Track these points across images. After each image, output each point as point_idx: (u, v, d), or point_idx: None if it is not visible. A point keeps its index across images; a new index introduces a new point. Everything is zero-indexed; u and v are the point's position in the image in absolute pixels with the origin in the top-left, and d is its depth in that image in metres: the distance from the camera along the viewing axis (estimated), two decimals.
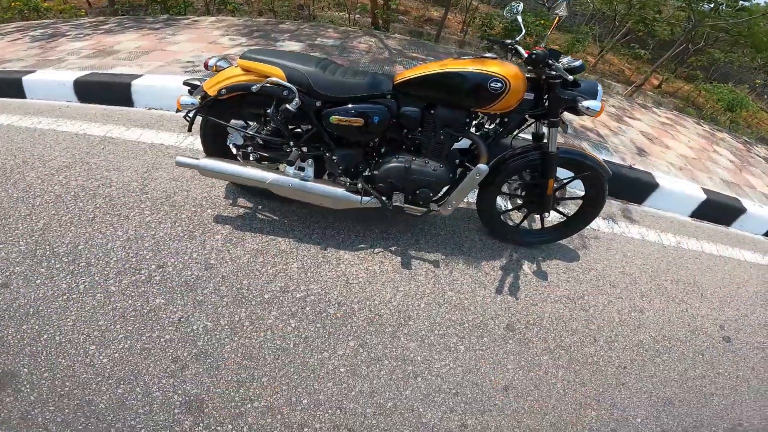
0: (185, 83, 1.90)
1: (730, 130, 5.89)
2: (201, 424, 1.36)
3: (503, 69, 1.69)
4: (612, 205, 3.00)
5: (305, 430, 1.41)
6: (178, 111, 1.85)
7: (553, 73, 1.71)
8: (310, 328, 1.70)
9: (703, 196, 3.15)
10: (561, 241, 2.44)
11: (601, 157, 3.11)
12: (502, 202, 2.51)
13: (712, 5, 6.10)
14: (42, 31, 4.51)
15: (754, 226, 3.29)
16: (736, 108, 6.44)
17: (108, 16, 5.59)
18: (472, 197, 2.29)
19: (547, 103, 1.82)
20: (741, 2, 6.14)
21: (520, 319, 1.95)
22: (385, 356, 1.67)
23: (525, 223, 2.39)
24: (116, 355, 1.49)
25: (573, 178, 2.11)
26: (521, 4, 1.89)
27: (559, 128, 1.86)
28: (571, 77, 1.71)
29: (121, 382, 1.42)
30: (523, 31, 1.86)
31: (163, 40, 4.13)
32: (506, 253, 2.29)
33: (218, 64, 1.86)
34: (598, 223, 2.72)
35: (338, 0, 6.62)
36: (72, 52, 3.70)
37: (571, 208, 2.43)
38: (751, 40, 6.88)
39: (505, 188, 2.17)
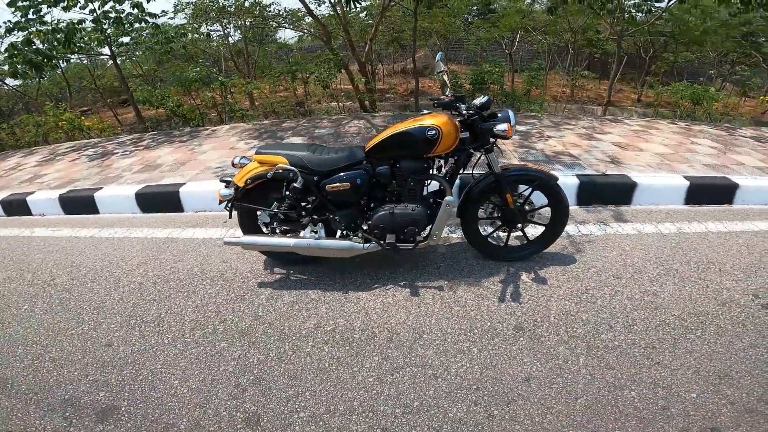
0: (221, 180, 2.33)
1: (710, 122, 5.58)
2: None
3: (435, 120, 2.03)
4: (601, 212, 3.02)
5: None
6: (220, 203, 2.24)
7: (464, 112, 2.05)
8: (340, 351, 1.87)
9: (686, 183, 3.10)
10: (555, 250, 2.50)
11: (572, 171, 3.23)
12: (488, 227, 2.63)
13: (625, 15, 6.22)
14: (93, 150, 4.99)
15: (758, 198, 3.11)
16: (701, 101, 6.17)
17: (141, 132, 6.09)
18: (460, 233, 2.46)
19: (478, 136, 2.12)
20: (649, 4, 6.15)
21: (527, 319, 1.99)
22: (406, 365, 1.78)
23: (514, 240, 2.51)
24: (193, 386, 1.71)
25: (531, 190, 2.30)
26: (442, 73, 2.23)
27: (495, 152, 2.15)
28: (486, 112, 2.06)
29: (197, 407, 1.62)
30: (448, 86, 2.20)
31: (192, 151, 4.49)
32: (503, 269, 2.39)
33: (241, 161, 2.27)
34: (590, 229, 2.76)
35: (330, 92, 7.10)
36: (125, 169, 4.08)
37: (547, 218, 2.52)
38: (687, 37, 6.83)
39: (482, 214, 2.37)
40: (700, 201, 3.12)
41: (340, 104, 6.89)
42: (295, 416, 1.57)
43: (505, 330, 1.94)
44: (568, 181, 3.11)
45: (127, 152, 4.83)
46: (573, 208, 3.03)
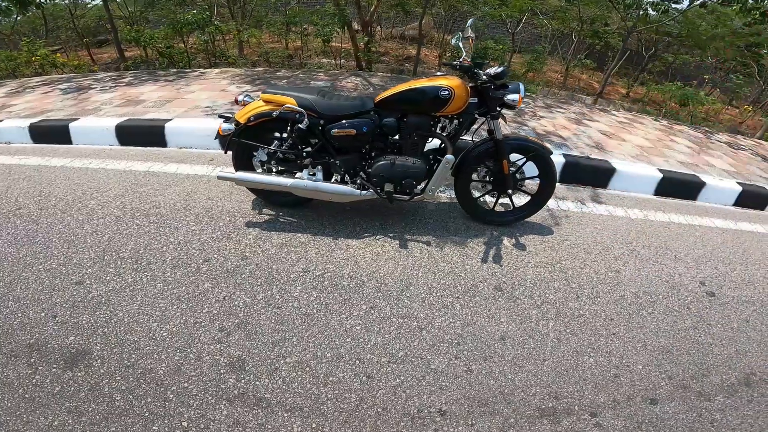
0: (220, 116, 2.10)
1: (691, 124, 5.57)
2: (243, 380, 1.38)
3: (449, 81, 1.92)
4: (580, 191, 2.99)
5: (330, 378, 1.41)
6: (218, 137, 2.01)
7: (484, 78, 1.92)
8: (329, 297, 1.74)
9: (660, 175, 3.12)
10: (535, 220, 2.45)
11: (560, 151, 3.19)
12: (476, 191, 2.55)
13: (641, 12, 6.02)
14: (67, 84, 4.46)
15: (719, 198, 3.19)
16: (688, 102, 6.10)
17: (121, 71, 5.52)
18: (453, 193, 2.35)
19: (486, 103, 2.00)
20: (667, 4, 5.90)
21: (506, 281, 1.95)
22: (393, 315, 1.69)
23: (499, 206, 2.43)
24: (174, 329, 1.53)
25: (525, 160, 2.20)
26: (459, 35, 2.08)
27: (501, 120, 2.05)
28: (498, 81, 1.94)
29: (177, 351, 1.46)
30: (464, 53, 2.04)
31: (180, 90, 4.14)
32: (488, 232, 2.30)
33: (245, 99, 2.05)
34: (568, 206, 2.72)
35: (324, 48, 6.73)
36: (104, 102, 3.69)
37: (533, 189, 2.46)
38: (693, 40, 6.69)
39: (476, 177, 2.25)
40: (668, 193, 3.17)
41: (337, 61, 6.41)
42: (281, 361, 1.46)
43: (485, 289, 1.89)
44: (555, 159, 3.03)
45: (106, 88, 4.30)
46: (557, 185, 2.95)
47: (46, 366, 1.37)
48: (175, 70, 5.41)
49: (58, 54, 6.04)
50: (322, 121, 1.97)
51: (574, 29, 7.60)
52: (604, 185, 3.13)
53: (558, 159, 3.05)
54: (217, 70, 5.27)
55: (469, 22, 2.03)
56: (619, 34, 7.25)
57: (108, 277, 1.74)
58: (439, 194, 2.62)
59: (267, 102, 1.98)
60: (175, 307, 1.63)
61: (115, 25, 6.28)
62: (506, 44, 6.96)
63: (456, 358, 1.54)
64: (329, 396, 1.36)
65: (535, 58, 6.88)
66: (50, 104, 3.72)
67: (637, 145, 3.84)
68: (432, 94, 1.91)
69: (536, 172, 2.23)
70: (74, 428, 1.21)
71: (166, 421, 1.25)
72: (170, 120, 3.16)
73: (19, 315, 1.55)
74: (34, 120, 3.21)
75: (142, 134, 3.09)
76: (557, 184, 3.01)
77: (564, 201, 2.81)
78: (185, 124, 3.10)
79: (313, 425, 1.27)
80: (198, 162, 2.82)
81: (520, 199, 2.40)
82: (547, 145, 2.31)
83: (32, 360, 1.39)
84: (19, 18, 6.67)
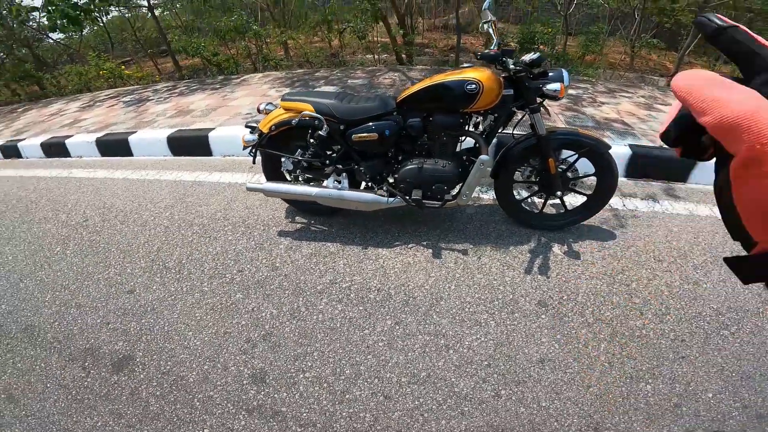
0: (246, 125, 2.18)
1: None
2: (263, 392, 1.46)
3: (476, 74, 1.77)
4: (652, 186, 2.64)
5: (347, 396, 1.43)
6: (244, 148, 2.12)
7: (512, 67, 1.75)
8: (353, 311, 1.76)
9: None
10: (594, 223, 2.21)
11: (624, 141, 2.82)
12: (524, 192, 2.39)
13: None
14: (130, 97, 5.01)
15: None
16: None
17: (177, 80, 6.11)
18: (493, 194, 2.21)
19: (523, 94, 1.83)
20: None
21: (552, 295, 1.79)
22: (418, 332, 1.65)
23: (550, 208, 2.24)
24: (206, 338, 1.68)
25: (577, 157, 1.98)
26: (489, 24, 1.88)
27: (542, 112, 1.87)
28: (536, 69, 1.75)
29: (207, 360, 1.59)
30: (495, 39, 1.88)
31: (225, 97, 4.41)
32: (534, 238, 2.14)
33: (267, 108, 2.11)
34: (636, 204, 2.42)
35: (365, 44, 6.73)
36: (159, 114, 4.05)
37: (591, 188, 2.23)
38: None
39: (519, 177, 2.09)
40: None
41: (376, 56, 6.44)
42: (301, 376, 1.51)
43: (527, 305, 1.75)
44: (618, 151, 2.70)
45: (162, 99, 4.78)
46: (621, 179, 2.67)
47: (97, 370, 1.59)
48: (221, 77, 5.83)
49: (123, 66, 6.84)
50: (342, 126, 1.96)
51: (636, 6, 6.80)
52: (683, 179, 2.72)
53: (622, 151, 2.73)
54: (259, 75, 5.57)
55: (486, 3, 1.85)
56: (690, 11, 6.33)
57: (154, 287, 1.96)
58: (482, 195, 2.49)
59: (287, 110, 2.02)
60: (209, 317, 1.77)
61: (170, 34, 6.91)
62: (556, 27, 6.43)
63: (484, 381, 1.47)
64: (344, 414, 1.38)
65: (590, 39, 6.29)
66: (114, 117, 4.26)
67: None
68: (457, 89, 1.79)
69: (592, 169, 2.01)
70: (113, 429, 1.38)
71: (191, 427, 1.37)
72: (213, 129, 3.41)
73: (79, 321, 1.82)
74: (100, 134, 3.73)
75: (190, 144, 3.38)
76: (622, 178, 2.72)
77: (631, 199, 2.49)
78: (227, 133, 3.32)
79: None
80: (239, 170, 3.03)
81: (576, 199, 2.18)
82: (605, 137, 2.05)
83: (86, 364, 1.62)
84: (85, 33, 7.57)
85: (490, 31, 1.89)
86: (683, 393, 1.40)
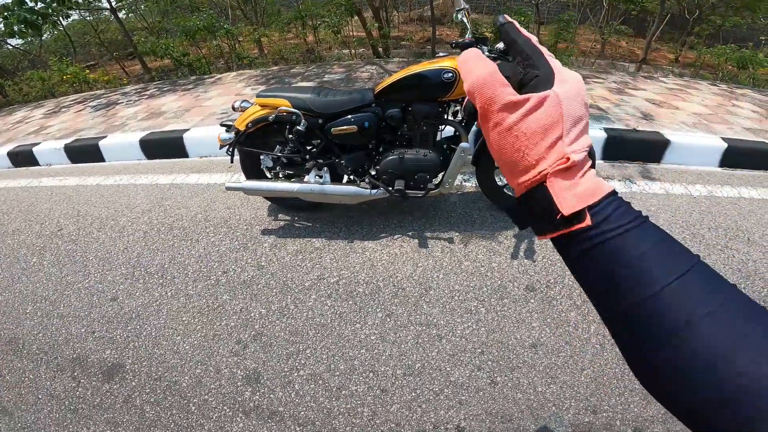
0: (221, 124, 2.12)
1: (753, 87, 5.00)
2: (258, 393, 1.44)
3: (452, 62, 1.80)
4: (628, 168, 2.71)
5: (343, 392, 1.43)
6: (221, 147, 2.06)
7: (493, 56, 1.74)
8: (343, 305, 1.75)
9: (724, 144, 2.75)
10: None
11: (599, 125, 2.89)
12: (502, 179, 2.41)
13: None
14: (97, 101, 4.79)
15: None
16: (747, 65, 5.59)
17: (146, 83, 5.87)
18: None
19: None
20: None
21: (539, 279, 1.83)
22: (410, 323, 1.66)
23: None
24: (195, 342, 1.64)
25: None
26: (462, 12, 1.91)
27: None
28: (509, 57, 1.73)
29: (199, 364, 1.56)
30: (469, 28, 1.89)
31: (198, 98, 4.27)
32: None
33: (242, 105, 2.05)
34: (613, 185, 2.47)
35: (341, 39, 6.69)
36: (130, 117, 3.91)
37: None
38: (741, 1, 6.14)
39: None
40: (737, 165, 2.79)
41: (352, 51, 6.36)
42: (295, 374, 1.50)
43: (515, 290, 1.78)
44: (594, 134, 2.78)
45: (132, 101, 4.61)
46: (598, 162, 2.78)
47: (87, 379, 1.55)
48: (194, 77, 5.65)
49: (88, 71, 6.57)
50: (321, 120, 1.93)
51: None
52: (657, 159, 2.81)
53: (598, 135, 2.80)
54: (233, 74, 5.42)
55: None
56: None
57: (137, 293, 1.91)
58: (464, 183, 2.50)
59: (262, 106, 1.97)
60: (197, 320, 1.74)
61: (136, 36, 6.68)
62: (528, 15, 6.51)
63: (479, 369, 1.48)
64: (341, 410, 1.38)
65: (562, 27, 6.40)
66: (82, 123, 4.08)
67: (693, 113, 3.42)
68: (434, 78, 1.79)
69: None
70: None
71: None
72: (188, 130, 3.31)
73: (63, 331, 1.76)
74: (68, 140, 3.55)
75: (164, 147, 3.26)
76: (599, 161, 2.79)
77: (609, 181, 2.55)
78: (203, 133, 3.23)
79: None
80: (217, 170, 2.96)
81: None
82: None
83: (75, 373, 1.58)
84: (45, 38, 7.32)
85: (464, 20, 1.90)
86: None
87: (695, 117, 3.30)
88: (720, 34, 7.77)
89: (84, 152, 3.44)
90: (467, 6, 1.88)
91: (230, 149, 2.06)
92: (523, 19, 6.12)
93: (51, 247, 2.30)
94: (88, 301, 1.89)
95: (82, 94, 5.77)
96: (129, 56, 8.59)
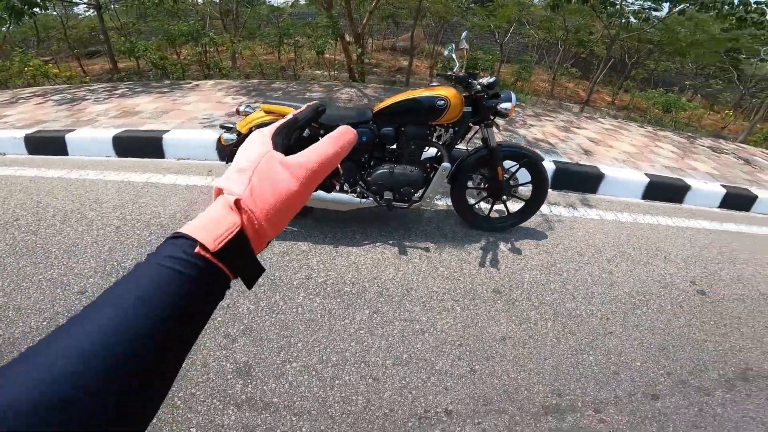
0: (222, 126, 2.15)
1: (675, 129, 5.77)
2: (250, 385, 1.41)
3: (444, 91, 2.02)
4: (571, 196, 3.09)
5: (337, 381, 1.45)
6: (222, 148, 2.07)
7: (478, 88, 2.03)
8: (332, 303, 1.78)
9: (647, 180, 3.22)
10: (530, 225, 2.53)
11: (550, 158, 3.32)
12: (472, 199, 2.63)
13: (623, 20, 6.29)
14: (61, 96, 4.45)
15: (705, 200, 3.30)
16: (671, 108, 6.34)
17: (115, 82, 5.58)
18: (449, 201, 2.42)
19: (480, 112, 2.12)
20: (647, 12, 6.19)
21: (503, 284, 2.02)
22: (395, 318, 1.74)
23: (494, 213, 2.52)
24: None
25: (518, 167, 2.30)
26: (452, 47, 2.20)
27: (494, 128, 2.17)
28: (491, 91, 2.05)
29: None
30: (457, 64, 2.15)
31: (176, 101, 4.15)
32: (484, 238, 2.38)
33: (246, 110, 2.11)
34: (560, 211, 2.82)
35: (317, 60, 6.83)
36: (100, 113, 3.68)
37: (526, 195, 2.54)
38: (673, 47, 6.95)
39: (471, 185, 2.35)
40: (656, 197, 3.26)
41: (331, 73, 6.55)
42: (288, 366, 1.49)
43: (484, 292, 1.95)
44: (546, 165, 3.13)
45: (101, 99, 4.31)
46: (549, 191, 3.07)
47: None
48: (168, 81, 5.44)
49: (50, 65, 6.07)
50: (322, 131, 2.04)
51: (560, 38, 7.90)
52: (594, 190, 3.24)
53: (549, 165, 3.16)
54: (211, 82, 5.31)
55: (464, 34, 2.15)
56: (603, 42, 7.53)
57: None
58: (436, 202, 2.70)
59: (267, 112, 2.05)
60: None
61: (109, 36, 6.35)
62: (495, 54, 7.21)
63: (459, 359, 1.59)
64: (336, 399, 1.40)
65: (523, 68, 7.06)
66: (45, 115, 3.72)
67: (623, 151, 3.96)
68: (429, 104, 2.00)
69: (529, 178, 2.33)
70: None
71: (174, 428, 1.27)
72: (168, 131, 3.18)
73: (20, 324, 1.56)
74: (30, 131, 3.21)
75: (139, 145, 3.10)
76: (549, 189, 3.16)
77: (556, 206, 2.91)
78: (183, 136, 3.12)
79: (322, 428, 1.31)
80: (197, 173, 2.86)
81: (515, 205, 2.49)
82: (538, 151, 2.42)
83: None
84: (11, 28, 6.74)
85: (454, 56, 2.16)
86: (618, 362, 1.66)
87: (625, 155, 3.82)
88: (652, 78, 8.81)
89: (47, 144, 3.13)
90: (468, 46, 2.14)
91: (233, 149, 2.08)
92: (491, 57, 6.65)
93: (6, 237, 2.03)
94: (51, 293, 1.70)
95: (40, 87, 5.24)
96: (89, 56, 8.00)
